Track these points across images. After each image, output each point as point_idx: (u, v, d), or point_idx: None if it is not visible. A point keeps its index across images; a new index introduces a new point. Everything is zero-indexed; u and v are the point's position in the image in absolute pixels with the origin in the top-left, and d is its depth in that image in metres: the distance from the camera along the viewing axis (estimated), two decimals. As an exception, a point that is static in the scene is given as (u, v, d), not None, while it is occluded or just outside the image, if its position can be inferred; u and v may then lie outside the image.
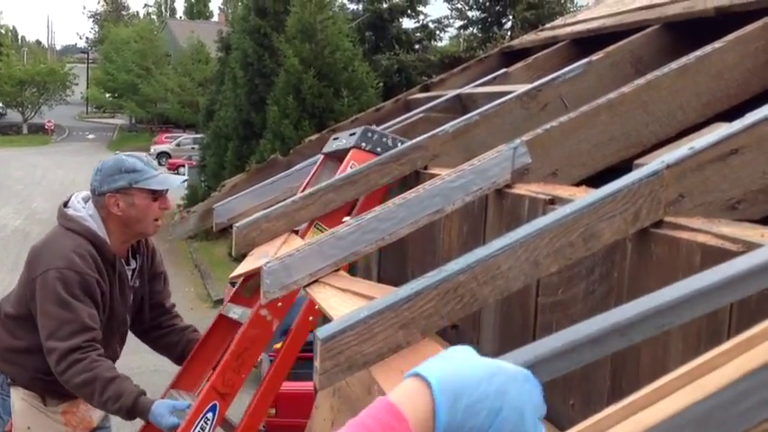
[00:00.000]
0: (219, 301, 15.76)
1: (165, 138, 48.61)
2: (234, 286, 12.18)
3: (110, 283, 3.11)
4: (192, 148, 38.35)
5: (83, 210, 3.17)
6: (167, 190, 3.26)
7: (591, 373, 1.75)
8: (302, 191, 2.77)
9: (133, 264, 3.29)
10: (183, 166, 34.25)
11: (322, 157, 2.95)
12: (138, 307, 3.38)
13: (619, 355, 1.65)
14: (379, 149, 2.70)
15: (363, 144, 2.73)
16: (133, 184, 3.10)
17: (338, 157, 2.82)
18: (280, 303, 2.63)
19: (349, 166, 2.66)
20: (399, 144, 2.68)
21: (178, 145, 45.16)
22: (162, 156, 44.54)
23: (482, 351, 2.34)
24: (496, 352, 2.24)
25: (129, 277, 3.26)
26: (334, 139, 2.92)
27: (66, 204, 3.24)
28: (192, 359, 3.19)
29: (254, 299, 2.89)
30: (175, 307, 3.61)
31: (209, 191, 21.79)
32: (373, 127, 2.83)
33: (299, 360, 3.30)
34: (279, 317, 2.73)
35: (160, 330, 3.50)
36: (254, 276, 2.71)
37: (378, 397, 0.94)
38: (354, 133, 2.78)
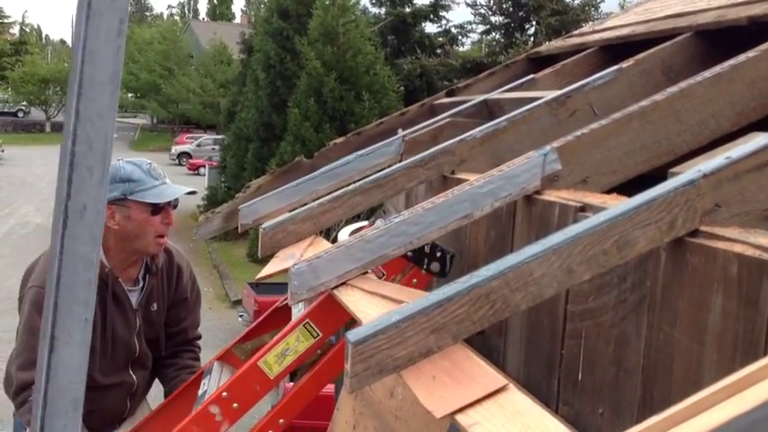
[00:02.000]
0: (238, 302, 15.81)
1: (187, 138, 48.86)
2: (252, 288, 11.96)
3: (104, 306, 2.79)
4: (213, 149, 38.53)
5: None
6: (171, 203, 2.92)
7: (621, 382, 1.73)
8: None
9: (141, 283, 2.95)
10: (204, 166, 34.40)
11: None
12: (157, 333, 3.11)
13: (650, 364, 1.64)
14: (410, 254, 2.37)
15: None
16: (128, 196, 2.78)
17: None
18: (236, 404, 2.23)
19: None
20: (438, 253, 2.40)
21: (199, 146, 45.38)
22: (183, 156, 44.82)
23: (508, 357, 2.33)
24: (522, 359, 2.23)
25: (135, 300, 2.92)
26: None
27: None
28: (159, 411, 2.87)
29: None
30: (200, 339, 3.28)
31: (230, 191, 21.92)
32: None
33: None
34: (230, 419, 2.26)
35: (166, 360, 3.22)
36: (252, 337, 2.49)
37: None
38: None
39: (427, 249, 2.36)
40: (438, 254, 2.37)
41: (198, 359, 3.25)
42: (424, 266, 2.33)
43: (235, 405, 2.23)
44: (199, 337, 3.26)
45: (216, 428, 2.26)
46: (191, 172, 38.87)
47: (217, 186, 24.62)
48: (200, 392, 2.53)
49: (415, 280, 2.37)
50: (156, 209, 2.78)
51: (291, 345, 2.22)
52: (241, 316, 14.54)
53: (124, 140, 57.89)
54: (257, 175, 20.09)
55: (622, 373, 1.74)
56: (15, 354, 2.68)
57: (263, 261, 2.66)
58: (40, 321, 2.59)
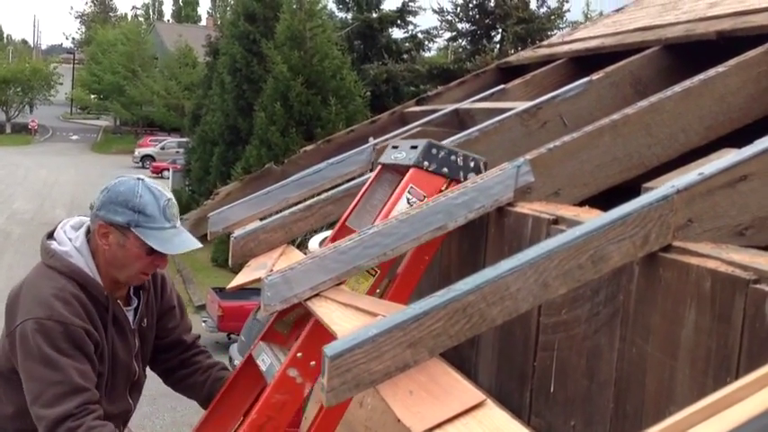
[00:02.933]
0: (201, 307, 15.68)
1: (150, 141, 48.45)
2: (216, 293, 11.86)
3: (105, 330, 2.56)
4: (177, 152, 38.20)
5: (68, 243, 2.57)
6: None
7: (594, 394, 1.74)
8: (356, 203, 2.45)
9: (134, 302, 2.71)
10: (168, 169, 34.09)
11: (379, 167, 2.54)
12: (153, 349, 2.86)
13: (623, 377, 1.65)
14: (445, 169, 2.26)
15: (426, 163, 2.26)
16: (132, 227, 2.49)
17: (398, 170, 2.43)
18: (313, 362, 2.12)
19: (407, 190, 2.23)
20: (472, 163, 2.29)
21: (163, 148, 45.03)
22: (146, 159, 44.42)
23: (480, 369, 2.34)
24: (494, 371, 2.24)
25: (132, 320, 2.68)
26: (394, 147, 2.48)
27: (50, 235, 2.63)
28: (215, 408, 2.70)
29: (293, 336, 2.44)
30: (200, 338, 3.03)
31: (194, 195, 21.79)
32: (439, 142, 2.37)
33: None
34: (311, 378, 2.15)
35: (184, 370, 2.93)
36: (291, 310, 2.32)
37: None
38: (416, 146, 2.32)
39: (460, 161, 2.27)
40: (472, 163, 2.29)
41: (212, 356, 3.00)
42: (462, 179, 2.25)
43: (312, 363, 2.13)
44: (198, 338, 3.02)
45: (299, 391, 2.18)
46: (154, 175, 38.43)
47: (181, 190, 24.42)
48: (263, 369, 2.39)
49: None
50: (153, 251, 2.52)
51: (353, 286, 2.18)
52: (205, 321, 14.42)
53: (86, 142, 57.24)
54: (222, 179, 19.91)
55: (595, 386, 1.75)
56: (34, 396, 2.40)
57: (227, 265, 2.54)
58: (54, 353, 2.34)
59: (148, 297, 2.73)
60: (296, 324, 2.41)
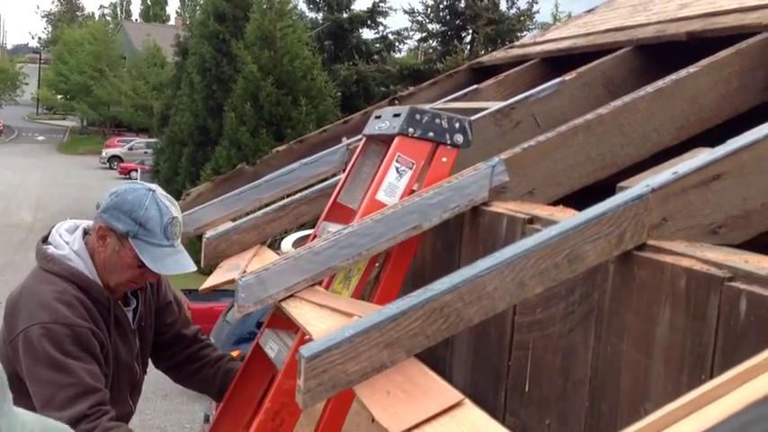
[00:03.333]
0: (171, 309, 15.53)
1: (118, 141, 47.98)
2: (186, 294, 11.71)
3: (108, 332, 2.54)
4: (145, 153, 37.93)
5: (66, 246, 2.54)
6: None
7: (569, 393, 1.75)
8: (345, 179, 2.42)
9: (133, 303, 2.68)
10: (136, 170, 33.83)
11: (364, 139, 2.48)
12: (154, 346, 2.83)
13: (598, 376, 1.66)
14: (431, 134, 2.22)
15: (411, 129, 2.20)
16: (130, 237, 2.46)
17: (383, 140, 2.40)
18: None
19: (395, 159, 2.20)
20: (456, 124, 2.24)
21: (131, 149, 44.63)
22: (114, 159, 44.00)
23: (454, 368, 2.33)
24: (469, 370, 2.24)
25: (132, 320, 2.66)
26: (377, 117, 2.43)
27: (45, 240, 2.60)
28: (229, 400, 2.71)
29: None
30: (201, 332, 3.00)
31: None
32: (423, 107, 2.33)
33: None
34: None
35: (192, 365, 2.91)
36: None
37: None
38: (399, 114, 2.27)
39: (445, 124, 2.24)
40: (457, 124, 2.25)
41: (217, 349, 2.98)
42: (449, 141, 2.22)
43: None
44: (199, 330, 2.99)
45: None
46: (122, 176, 38.15)
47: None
48: (272, 355, 2.39)
49: (444, 158, 2.23)
50: (144, 265, 2.48)
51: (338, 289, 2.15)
52: (175, 323, 14.30)
53: (53, 143, 56.58)
54: (191, 180, 19.73)
55: (570, 385, 1.76)
56: (44, 400, 2.36)
57: (197, 267, 2.50)
58: (62, 356, 2.30)
59: (146, 296, 2.70)
60: None
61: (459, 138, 2.23)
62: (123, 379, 2.61)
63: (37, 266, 2.55)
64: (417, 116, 2.23)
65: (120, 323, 2.58)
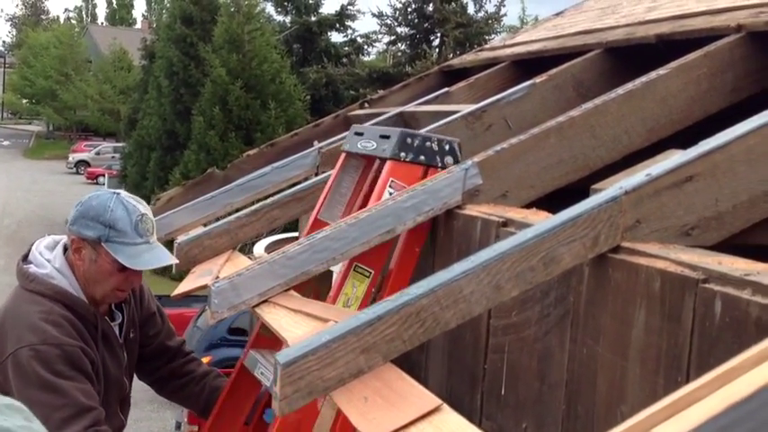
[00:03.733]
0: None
1: (85, 146, 47.44)
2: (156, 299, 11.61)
3: (96, 348, 2.47)
4: (113, 158, 37.52)
5: (47, 264, 2.48)
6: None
7: (545, 396, 1.75)
8: (324, 196, 2.43)
9: (119, 317, 2.61)
10: (103, 175, 33.46)
11: (343, 155, 2.48)
12: (138, 358, 2.77)
13: (574, 378, 1.66)
14: (422, 157, 2.23)
15: (403, 154, 2.22)
16: (103, 242, 2.40)
17: (363, 156, 2.40)
18: None
19: (388, 185, 2.20)
20: (447, 146, 2.26)
21: (98, 153, 44.15)
22: (81, 164, 43.51)
23: (430, 372, 2.33)
24: (445, 374, 2.24)
25: (118, 333, 2.60)
26: (357, 134, 2.41)
27: (25, 258, 2.53)
28: (215, 421, 2.67)
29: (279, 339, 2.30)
30: (185, 344, 2.97)
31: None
32: (413, 131, 2.33)
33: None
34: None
35: (177, 380, 2.86)
36: None
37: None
38: (387, 136, 2.27)
39: (435, 147, 2.25)
40: (447, 146, 2.26)
41: (202, 363, 2.94)
42: (440, 164, 2.23)
43: None
44: (184, 342, 2.95)
45: (312, 404, 1.92)
46: (89, 181, 37.74)
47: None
48: (267, 383, 2.34)
49: None
50: (125, 267, 2.43)
51: (350, 293, 2.13)
52: (144, 329, 14.17)
53: (18, 148, 55.79)
54: (160, 185, 19.56)
55: (546, 388, 1.76)
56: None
57: (168, 273, 2.50)
58: (54, 377, 2.23)
59: (130, 309, 2.65)
60: None
61: (449, 159, 2.25)
62: (113, 394, 2.56)
63: (19, 286, 2.49)
64: (408, 140, 2.24)
65: (108, 338, 2.53)
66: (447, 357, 2.22)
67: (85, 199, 2.48)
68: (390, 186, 2.20)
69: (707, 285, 1.33)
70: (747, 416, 0.88)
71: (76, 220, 2.43)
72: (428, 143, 2.25)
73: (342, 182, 2.44)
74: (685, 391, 0.94)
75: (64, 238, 2.53)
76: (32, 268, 2.46)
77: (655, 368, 1.44)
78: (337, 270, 2.24)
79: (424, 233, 2.24)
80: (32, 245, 2.56)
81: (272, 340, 2.43)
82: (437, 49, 22.92)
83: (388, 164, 2.23)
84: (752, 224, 1.73)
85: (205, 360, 12.14)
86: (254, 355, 2.45)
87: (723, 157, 1.64)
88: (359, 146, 2.39)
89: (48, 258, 2.48)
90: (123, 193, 2.50)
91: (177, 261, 2.53)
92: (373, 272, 2.17)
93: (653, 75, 2.31)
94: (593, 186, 1.74)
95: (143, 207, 2.48)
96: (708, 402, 0.92)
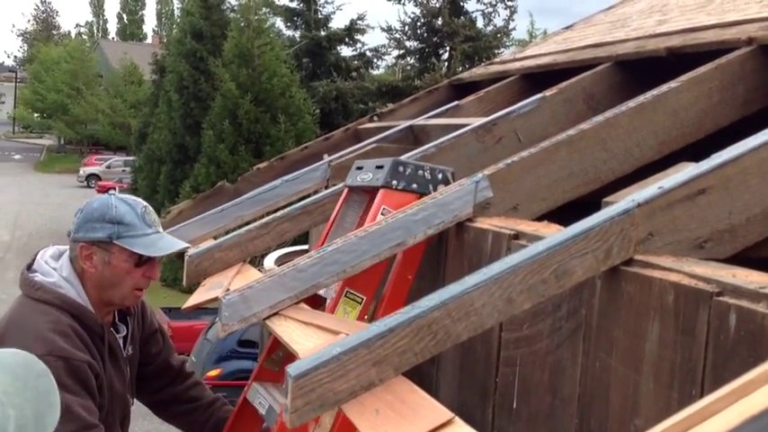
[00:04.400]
0: (150, 328, 15.41)
1: (95, 160, 47.64)
2: (165, 313, 11.69)
3: (102, 362, 2.39)
4: (123, 171, 37.71)
5: (54, 273, 2.39)
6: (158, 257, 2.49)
7: (557, 410, 1.74)
8: (328, 229, 2.44)
9: (123, 330, 2.54)
10: (114, 188, 33.45)
11: (346, 190, 2.51)
12: (138, 377, 2.69)
13: (586, 392, 1.65)
14: (414, 186, 2.24)
15: (395, 182, 2.24)
16: (114, 239, 2.35)
17: (365, 190, 2.43)
18: None
19: (380, 213, 2.21)
20: (440, 175, 2.28)
21: (108, 167, 44.33)
22: (92, 178, 43.68)
23: (440, 385, 2.31)
24: (456, 387, 2.23)
25: (122, 346, 2.52)
26: (358, 168, 2.46)
27: (30, 267, 2.45)
28: None
29: (283, 372, 2.39)
30: (186, 364, 2.88)
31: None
32: (404, 159, 2.38)
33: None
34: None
35: (182, 405, 2.78)
36: (278, 347, 2.30)
37: None
38: (382, 166, 2.31)
39: (428, 175, 2.26)
40: (440, 175, 2.27)
41: (206, 388, 2.86)
42: (432, 192, 2.22)
43: None
44: (185, 363, 2.86)
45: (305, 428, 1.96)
46: (100, 194, 37.89)
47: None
48: (263, 412, 2.33)
49: None
50: (141, 261, 2.38)
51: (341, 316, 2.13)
52: (154, 342, 14.18)
53: (29, 162, 56.06)
54: (170, 198, 19.61)
55: (558, 401, 1.75)
56: None
57: (177, 285, 2.46)
58: (66, 393, 2.05)
59: (134, 322, 2.59)
60: (285, 359, 2.33)
61: (442, 188, 2.23)
62: (117, 409, 2.50)
63: (23, 296, 2.41)
64: (401, 168, 2.25)
65: (114, 352, 2.46)
66: (458, 370, 2.21)
67: (84, 205, 2.44)
68: (382, 214, 2.20)
69: (721, 299, 1.32)
70: (764, 429, 0.87)
71: (81, 226, 2.39)
72: (420, 171, 2.26)
73: (345, 216, 2.45)
74: (701, 404, 0.94)
75: (68, 249, 2.47)
76: (39, 277, 2.39)
77: (669, 382, 1.43)
78: (330, 296, 2.23)
79: (417, 260, 2.23)
80: (37, 254, 2.49)
81: (275, 373, 2.43)
82: (446, 63, 22.96)
83: (380, 192, 2.25)
84: (765, 237, 1.72)
85: (215, 372, 11.96)
86: (256, 387, 2.43)
87: (736, 170, 1.63)
88: (359, 179, 2.41)
89: (54, 267, 2.41)
90: (118, 192, 2.50)
91: (188, 245, 2.51)
92: (365, 298, 2.16)
93: (664, 88, 2.31)
94: (605, 199, 1.73)
95: (142, 201, 2.47)
96: (724, 416, 0.91)
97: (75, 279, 2.38)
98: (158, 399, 2.76)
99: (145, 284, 2.47)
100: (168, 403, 2.77)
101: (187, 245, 2.50)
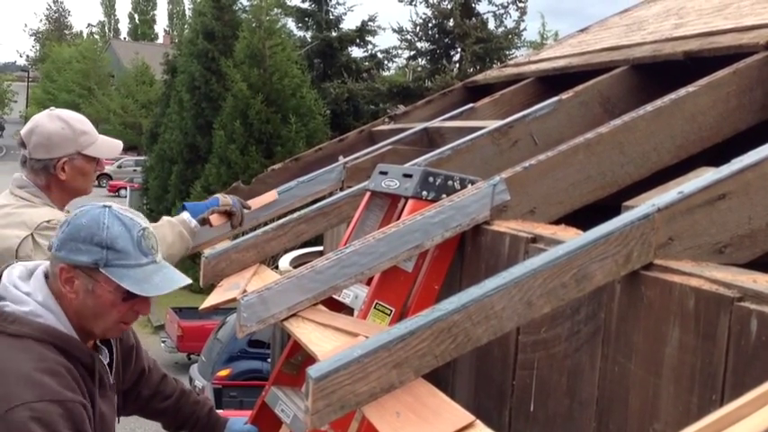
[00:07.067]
0: (160, 327, 15.47)
1: (107, 159, 47.77)
2: (176, 312, 11.76)
3: (92, 397, 2.05)
4: (134, 171, 37.84)
5: (28, 300, 1.97)
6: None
7: (575, 413, 1.74)
8: (349, 233, 2.41)
9: (106, 355, 2.19)
10: (125, 188, 33.71)
11: (368, 194, 2.47)
12: (137, 401, 2.48)
13: (605, 396, 1.65)
14: (444, 196, 2.20)
15: (425, 192, 2.22)
16: (101, 267, 1.94)
17: (388, 195, 2.40)
18: None
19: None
20: (470, 184, 2.23)
21: (119, 167, 44.43)
22: (103, 177, 43.81)
23: (457, 387, 2.32)
24: (472, 390, 2.23)
25: (109, 372, 2.17)
26: (381, 173, 2.41)
27: None
28: None
29: (302, 375, 2.28)
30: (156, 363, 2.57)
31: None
32: (435, 169, 2.32)
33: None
34: (340, 425, 1.89)
35: (162, 402, 2.53)
36: (297, 351, 2.29)
37: None
38: (410, 175, 2.27)
39: (458, 185, 2.24)
40: (469, 185, 2.23)
41: (176, 379, 2.57)
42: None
43: None
44: (154, 362, 2.56)
45: None
46: (111, 194, 37.98)
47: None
48: (287, 421, 2.25)
49: None
50: (131, 295, 1.98)
51: None
52: (164, 341, 14.22)
53: (41, 161, 56.19)
54: (181, 198, 19.61)
55: (576, 405, 1.75)
56: None
57: (190, 285, 2.35)
58: None
59: (116, 343, 2.29)
60: (304, 364, 2.31)
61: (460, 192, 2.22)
62: None
63: None
64: (431, 179, 2.24)
65: (104, 383, 2.12)
66: (475, 373, 2.21)
67: (72, 218, 2.00)
68: None
69: (742, 304, 1.32)
70: (791, 436, 0.87)
71: (64, 243, 1.96)
72: (450, 182, 2.25)
73: (366, 220, 2.44)
74: (728, 409, 0.94)
75: (41, 264, 2.06)
76: (10, 307, 1.96)
77: (689, 386, 1.43)
78: (358, 307, 2.23)
79: (444, 270, 2.22)
80: (2, 274, 2.05)
81: (293, 377, 2.40)
82: (457, 64, 22.93)
83: (409, 202, 2.23)
84: (785, 242, 1.72)
85: (225, 372, 11.98)
86: (276, 392, 2.38)
87: (755, 175, 1.63)
88: (383, 185, 2.38)
89: (26, 292, 1.99)
90: (115, 205, 2.06)
91: (190, 281, 2.17)
92: (394, 309, 2.15)
93: (682, 92, 2.30)
94: (625, 203, 1.73)
95: (142, 220, 2.06)
96: (751, 421, 0.91)
97: (53, 304, 1.99)
98: (138, 406, 2.53)
99: (132, 319, 2.09)
100: (173, 418, 2.57)
101: (188, 280, 2.14)
